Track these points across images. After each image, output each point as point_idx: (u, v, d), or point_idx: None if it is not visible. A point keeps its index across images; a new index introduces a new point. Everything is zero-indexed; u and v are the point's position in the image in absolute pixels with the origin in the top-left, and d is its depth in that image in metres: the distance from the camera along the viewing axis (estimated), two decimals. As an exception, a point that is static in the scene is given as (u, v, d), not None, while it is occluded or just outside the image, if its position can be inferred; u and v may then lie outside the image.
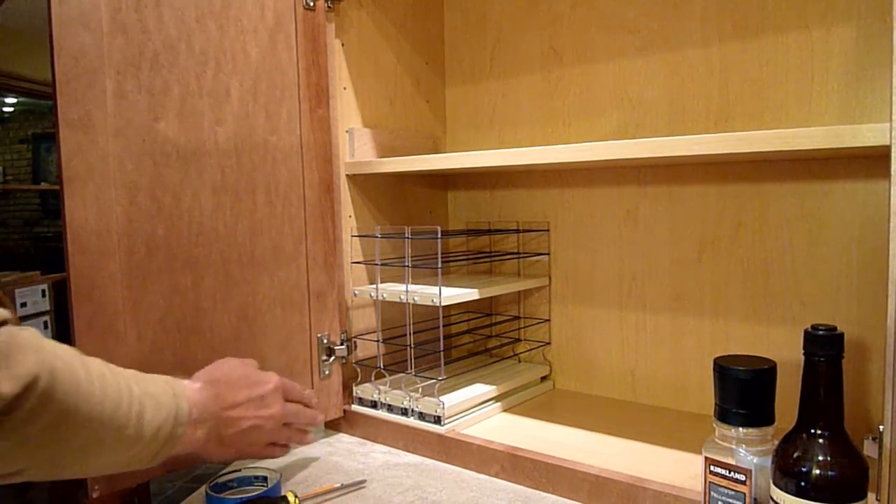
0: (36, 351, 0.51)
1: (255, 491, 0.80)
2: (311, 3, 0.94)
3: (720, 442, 0.61)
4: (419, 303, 0.92)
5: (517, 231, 1.14)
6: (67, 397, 0.52)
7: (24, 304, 3.11)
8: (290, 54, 0.91)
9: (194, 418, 0.65)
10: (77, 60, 0.70)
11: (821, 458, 0.53)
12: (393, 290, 0.96)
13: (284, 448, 0.79)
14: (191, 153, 0.80)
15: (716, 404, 0.61)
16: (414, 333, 1.00)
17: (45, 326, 3.23)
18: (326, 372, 0.98)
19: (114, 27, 0.73)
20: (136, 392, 0.59)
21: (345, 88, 1.02)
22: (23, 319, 2.99)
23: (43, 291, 3.06)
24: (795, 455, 0.54)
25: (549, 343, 1.12)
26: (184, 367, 0.80)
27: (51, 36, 0.68)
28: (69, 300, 0.71)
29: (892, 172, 0.54)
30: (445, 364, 0.97)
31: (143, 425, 0.59)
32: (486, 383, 1.01)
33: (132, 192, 0.75)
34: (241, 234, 0.86)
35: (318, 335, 0.96)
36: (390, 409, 0.96)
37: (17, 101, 4.26)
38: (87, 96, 0.71)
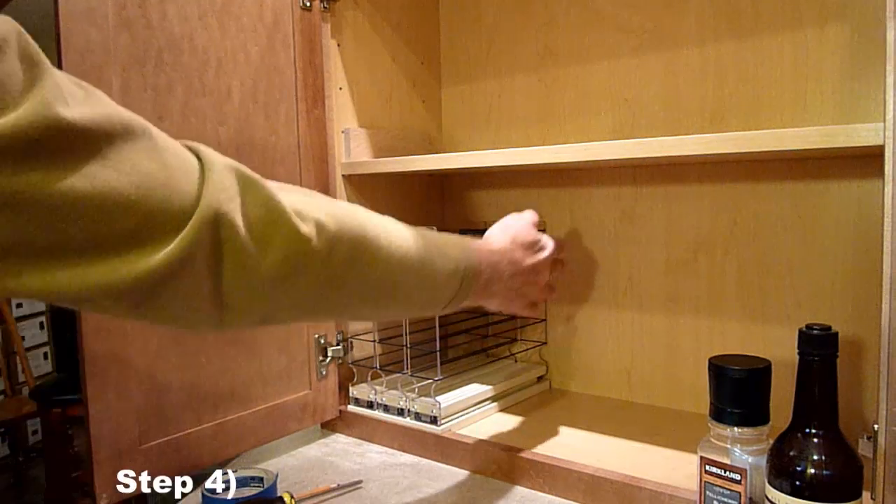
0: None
1: (252, 492, 0.80)
2: (308, 3, 0.94)
3: (715, 441, 0.61)
4: (416, 303, 0.92)
5: (513, 231, 1.13)
6: (355, 231, 0.54)
7: (20, 305, 3.10)
8: (287, 54, 0.91)
9: (483, 278, 0.69)
10: (83, 56, 0.69)
11: (815, 457, 0.53)
12: (389, 291, 0.96)
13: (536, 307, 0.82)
14: (191, 154, 0.80)
15: (711, 404, 0.62)
16: (410, 333, 1.00)
17: (42, 327, 3.22)
18: (323, 372, 0.98)
19: (119, 23, 0.72)
20: (426, 241, 0.63)
21: (340, 89, 1.02)
22: (18, 320, 2.98)
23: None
24: (790, 454, 0.54)
25: (545, 343, 1.12)
26: (189, 367, 0.81)
27: (57, 31, 0.67)
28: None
29: (887, 172, 0.55)
30: (442, 364, 0.97)
31: (435, 272, 0.62)
32: (483, 383, 1.01)
33: (134, 194, 0.75)
34: (240, 236, 0.86)
35: (315, 335, 0.96)
36: (387, 409, 0.96)
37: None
38: (94, 93, 0.70)
